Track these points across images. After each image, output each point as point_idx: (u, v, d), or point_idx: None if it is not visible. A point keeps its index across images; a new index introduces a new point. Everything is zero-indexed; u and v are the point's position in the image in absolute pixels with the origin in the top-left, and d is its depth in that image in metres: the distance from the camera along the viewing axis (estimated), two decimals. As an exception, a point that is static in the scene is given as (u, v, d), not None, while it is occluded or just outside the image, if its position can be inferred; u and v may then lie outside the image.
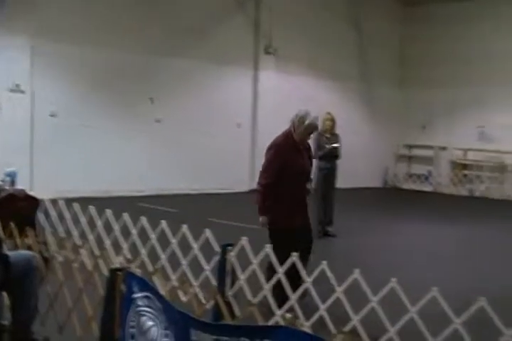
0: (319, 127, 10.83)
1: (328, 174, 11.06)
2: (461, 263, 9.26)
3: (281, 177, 6.12)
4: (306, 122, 6.24)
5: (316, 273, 4.49)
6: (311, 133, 6.50)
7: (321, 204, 10.95)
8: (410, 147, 21.36)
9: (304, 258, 5.65)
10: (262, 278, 4.82)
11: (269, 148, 6.34)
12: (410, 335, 4.36)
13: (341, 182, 18.79)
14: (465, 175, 19.87)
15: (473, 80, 19.40)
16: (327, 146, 10.91)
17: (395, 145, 21.40)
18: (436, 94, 20.26)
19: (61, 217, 5.95)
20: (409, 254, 9.88)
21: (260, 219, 6.23)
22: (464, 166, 20.12)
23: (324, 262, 4.44)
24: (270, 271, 5.18)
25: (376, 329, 4.32)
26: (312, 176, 7.12)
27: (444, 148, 20.49)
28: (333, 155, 11.04)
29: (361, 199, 17.44)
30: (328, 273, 4.39)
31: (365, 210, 15.04)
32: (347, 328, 4.23)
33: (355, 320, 4.21)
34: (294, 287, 4.61)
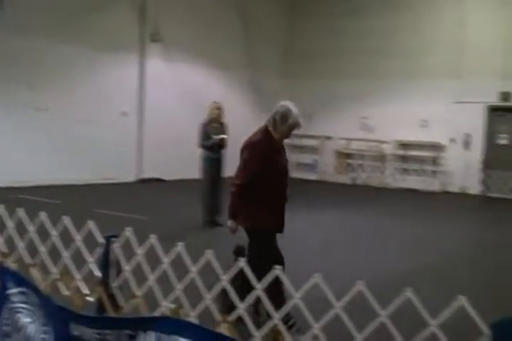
0: (212, 116, 10.96)
1: (215, 164, 11.04)
2: (345, 249, 9.58)
3: (260, 177, 5.58)
4: (290, 121, 5.77)
5: (202, 262, 4.47)
6: (293, 131, 5.91)
7: (209, 194, 10.95)
8: (294, 136, 21.77)
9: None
10: (147, 269, 4.74)
11: (246, 147, 5.73)
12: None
13: (230, 170, 19.04)
14: (348, 164, 20.62)
15: (356, 72, 20.12)
16: (215, 137, 10.89)
17: (282, 135, 21.76)
18: (322, 85, 20.82)
19: None
20: (296, 241, 10.10)
21: (229, 223, 5.78)
22: (348, 155, 20.88)
23: (210, 251, 4.42)
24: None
25: (262, 316, 4.38)
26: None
27: (329, 138, 21.13)
28: (219, 146, 11.04)
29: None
30: (215, 263, 4.38)
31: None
32: (232, 317, 4.24)
33: (241, 309, 4.23)
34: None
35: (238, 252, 5.77)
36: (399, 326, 4.14)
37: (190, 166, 17.60)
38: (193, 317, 4.39)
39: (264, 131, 5.74)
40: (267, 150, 5.65)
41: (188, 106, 18.26)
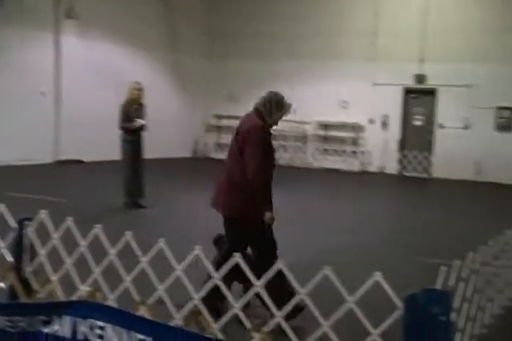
0: (132, 97, 10.63)
1: (136, 146, 10.72)
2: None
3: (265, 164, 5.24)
4: (285, 108, 5.58)
5: (121, 244, 4.38)
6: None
7: (130, 176, 10.76)
8: (219, 117, 21.76)
9: None
10: (63, 252, 4.61)
11: (250, 130, 5.25)
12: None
13: (151, 152, 18.71)
14: (270, 145, 20.76)
15: (279, 53, 20.20)
16: (135, 123, 10.51)
17: (204, 116, 21.67)
18: (245, 66, 20.79)
19: None
20: (219, 224, 10.10)
21: (267, 215, 5.35)
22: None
23: (129, 232, 4.35)
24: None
25: (183, 297, 4.35)
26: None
27: (250, 119, 21.17)
28: (139, 128, 10.73)
29: (171, 170, 17.48)
30: (133, 244, 4.31)
31: (175, 180, 15.11)
32: (152, 298, 4.19)
33: (161, 290, 4.19)
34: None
35: (218, 241, 5.68)
36: (319, 303, 4.22)
37: (110, 147, 17.24)
38: (111, 300, 4.32)
39: (261, 117, 5.46)
40: (267, 136, 5.42)
41: (109, 85, 17.82)
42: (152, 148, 18.89)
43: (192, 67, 21.07)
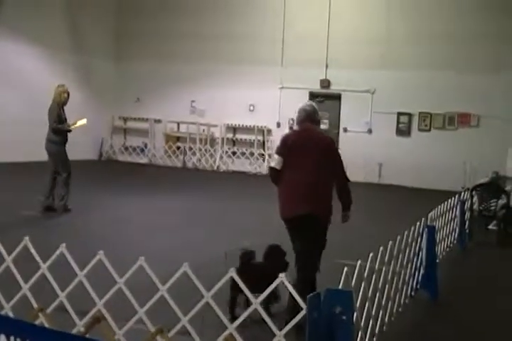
0: (61, 100, 10.69)
1: (64, 149, 10.77)
2: (175, 231, 9.58)
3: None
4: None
5: (18, 249, 4.21)
6: None
7: (66, 177, 10.63)
8: (125, 119, 21.39)
9: None
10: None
11: (330, 145, 5.87)
12: (120, 305, 4.36)
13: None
14: (178, 147, 20.61)
15: (186, 56, 20.10)
16: (73, 126, 10.77)
17: (110, 118, 21.23)
18: (152, 68, 20.54)
19: None
20: (126, 225, 9.92)
21: (349, 213, 5.85)
22: (178, 138, 20.86)
23: (26, 238, 4.18)
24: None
25: (85, 304, 4.23)
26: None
27: (158, 121, 20.95)
28: (68, 131, 10.79)
29: (77, 173, 16.97)
30: (32, 250, 4.15)
31: (81, 184, 14.65)
32: (53, 305, 4.05)
33: (62, 296, 4.05)
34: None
35: (245, 257, 5.84)
36: (224, 305, 4.22)
37: (13, 148, 16.62)
38: (8, 308, 4.14)
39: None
40: None
41: (9, 85, 17.16)
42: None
43: (97, 68, 20.59)
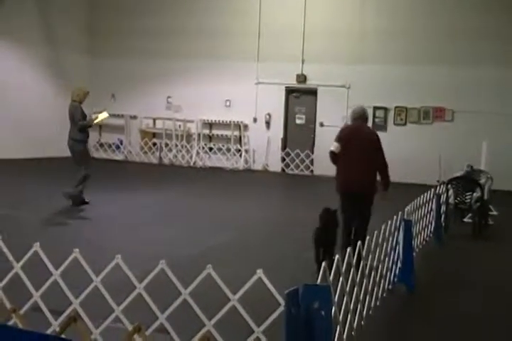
0: (81, 100, 11.18)
1: (87, 146, 11.48)
2: (153, 228, 9.51)
3: None
4: None
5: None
6: None
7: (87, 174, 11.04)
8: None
9: None
10: None
11: (377, 137, 7.72)
12: (97, 304, 4.31)
13: (28, 152, 17.94)
14: (154, 144, 20.47)
15: (162, 52, 19.95)
16: (96, 121, 11.28)
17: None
18: (126, 64, 20.34)
19: None
20: (104, 223, 9.83)
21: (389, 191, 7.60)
22: (154, 135, 20.72)
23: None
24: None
25: (61, 303, 4.17)
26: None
27: (134, 117, 20.78)
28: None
29: (52, 170, 16.80)
30: (5, 249, 4.08)
31: (55, 181, 14.49)
32: (27, 305, 3.98)
33: (36, 296, 3.99)
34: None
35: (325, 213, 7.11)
36: (203, 302, 4.19)
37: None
38: (-19, 309, 4.06)
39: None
40: None
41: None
42: (29, 148, 18.22)
43: (71, 65, 20.32)
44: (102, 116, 11.35)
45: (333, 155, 7.61)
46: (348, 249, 4.88)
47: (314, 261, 6.72)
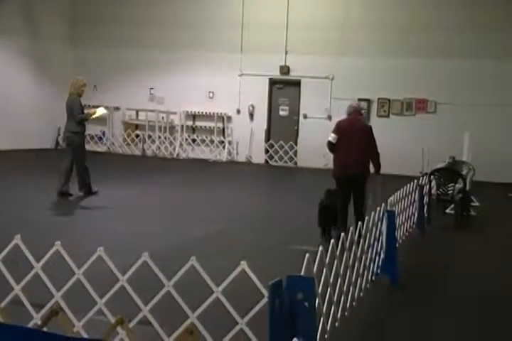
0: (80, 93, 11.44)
1: (84, 138, 11.78)
2: (134, 221, 9.46)
3: None
4: None
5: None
6: None
7: (85, 167, 11.29)
8: (83, 106, 20.92)
9: None
10: None
11: (371, 128, 8.81)
12: (79, 297, 4.28)
13: (11, 143, 17.76)
14: (137, 135, 20.34)
15: (144, 43, 19.77)
16: (94, 116, 11.60)
17: (66, 105, 20.78)
18: (109, 55, 20.14)
19: None
20: (81, 216, 9.77)
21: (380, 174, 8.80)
22: (136, 126, 20.58)
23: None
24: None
25: (43, 296, 4.13)
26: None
27: (117, 108, 20.62)
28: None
29: (33, 162, 16.65)
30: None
31: (38, 174, 14.35)
32: (8, 299, 3.94)
33: (17, 289, 3.95)
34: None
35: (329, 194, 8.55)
36: (186, 294, 4.18)
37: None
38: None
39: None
40: None
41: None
42: (9, 139, 18.03)
43: (52, 55, 20.09)
44: (100, 111, 11.72)
45: (331, 145, 8.65)
46: (332, 240, 4.89)
47: (318, 225, 8.47)
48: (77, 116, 11.14)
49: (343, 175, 8.51)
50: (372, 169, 8.82)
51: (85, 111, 11.48)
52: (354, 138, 8.53)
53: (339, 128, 8.67)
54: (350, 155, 8.47)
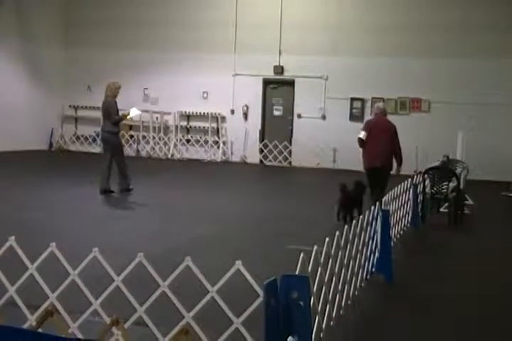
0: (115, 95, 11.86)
1: (120, 138, 12.20)
2: (130, 222, 9.46)
3: None
4: None
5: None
6: None
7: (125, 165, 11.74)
8: (76, 108, 20.94)
9: None
10: None
11: (395, 127, 10.13)
12: (74, 298, 4.28)
13: (2, 145, 17.69)
14: (131, 136, 20.31)
15: (138, 43, 19.76)
16: (129, 117, 12.14)
17: (60, 106, 20.75)
18: (103, 56, 20.11)
19: None
20: (77, 217, 9.74)
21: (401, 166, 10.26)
22: (130, 127, 20.54)
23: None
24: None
25: (37, 297, 4.12)
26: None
27: (110, 110, 20.57)
28: None
29: (27, 163, 16.60)
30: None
31: (31, 175, 14.32)
32: (3, 300, 3.93)
33: (12, 291, 3.94)
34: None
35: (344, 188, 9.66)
36: (181, 294, 4.18)
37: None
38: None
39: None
40: None
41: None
42: (5, 140, 17.96)
43: (45, 56, 20.05)
44: (133, 112, 12.15)
45: (361, 141, 9.96)
46: (327, 239, 4.90)
47: (337, 211, 9.50)
48: (114, 118, 11.56)
49: (372, 166, 9.87)
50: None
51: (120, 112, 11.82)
52: (380, 135, 9.84)
53: (368, 127, 10.06)
54: (376, 150, 9.80)
